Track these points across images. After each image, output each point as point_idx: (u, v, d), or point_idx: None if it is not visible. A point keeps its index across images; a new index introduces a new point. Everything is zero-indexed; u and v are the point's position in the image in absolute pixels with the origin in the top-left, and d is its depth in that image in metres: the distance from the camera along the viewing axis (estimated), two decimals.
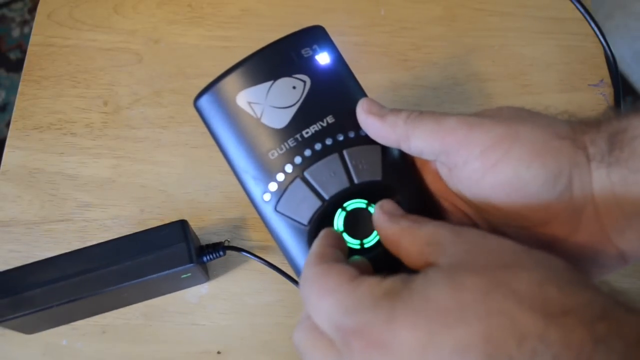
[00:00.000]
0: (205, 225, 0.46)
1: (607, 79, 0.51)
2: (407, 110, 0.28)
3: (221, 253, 0.43)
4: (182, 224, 0.40)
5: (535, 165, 0.24)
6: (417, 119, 0.27)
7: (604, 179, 0.24)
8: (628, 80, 1.00)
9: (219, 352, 0.43)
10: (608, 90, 0.51)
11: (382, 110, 0.28)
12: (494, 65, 0.52)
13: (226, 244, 0.44)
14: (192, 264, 0.39)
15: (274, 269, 0.43)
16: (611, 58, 0.38)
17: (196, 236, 0.43)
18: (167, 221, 0.41)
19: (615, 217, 0.25)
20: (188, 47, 0.53)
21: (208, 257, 0.42)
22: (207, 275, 0.44)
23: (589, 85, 0.51)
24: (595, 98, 0.51)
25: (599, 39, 0.39)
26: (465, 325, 0.19)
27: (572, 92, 0.51)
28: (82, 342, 0.43)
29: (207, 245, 0.43)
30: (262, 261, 0.43)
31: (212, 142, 0.49)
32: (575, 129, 0.26)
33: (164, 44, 0.54)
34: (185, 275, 0.41)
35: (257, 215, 0.46)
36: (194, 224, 0.43)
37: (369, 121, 0.28)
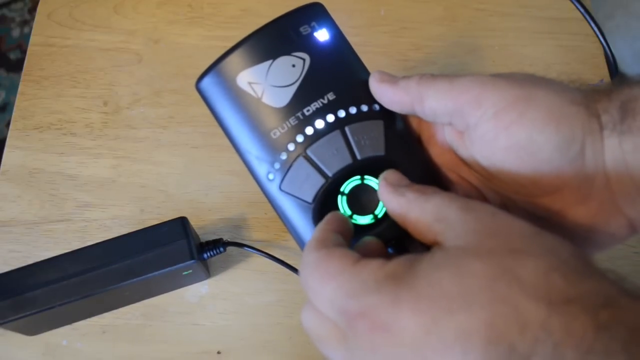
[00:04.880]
0: (205, 225, 0.46)
1: (607, 79, 0.51)
2: (419, 73, 0.28)
3: (222, 249, 0.42)
4: (182, 221, 0.40)
5: (549, 130, 0.24)
6: (430, 80, 0.27)
7: (615, 148, 0.24)
8: None
9: (219, 352, 0.43)
10: None
11: (394, 78, 0.28)
12: (495, 65, 0.52)
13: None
14: (193, 261, 0.39)
15: (276, 261, 0.42)
16: (611, 58, 0.38)
17: (196, 233, 0.43)
18: None
19: (626, 186, 0.24)
20: (188, 47, 0.53)
21: (209, 254, 0.42)
22: (207, 272, 0.44)
23: (589, 85, 0.51)
24: None
25: (599, 39, 0.39)
26: (468, 312, 0.19)
27: None
28: (82, 342, 0.43)
29: (208, 242, 0.43)
30: (263, 254, 0.43)
31: (212, 142, 0.49)
32: (588, 97, 0.25)
33: (164, 44, 0.54)
34: (186, 272, 0.41)
35: (257, 215, 0.47)
36: (194, 224, 0.43)
37: (381, 89, 0.28)
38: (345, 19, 0.32)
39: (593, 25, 0.39)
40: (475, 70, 0.52)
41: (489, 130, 0.25)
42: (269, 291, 0.44)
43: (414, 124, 0.31)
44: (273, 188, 0.29)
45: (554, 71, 0.52)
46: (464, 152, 0.28)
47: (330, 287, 0.22)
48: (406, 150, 0.29)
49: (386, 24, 0.54)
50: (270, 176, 0.29)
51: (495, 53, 0.53)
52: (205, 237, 0.45)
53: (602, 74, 0.52)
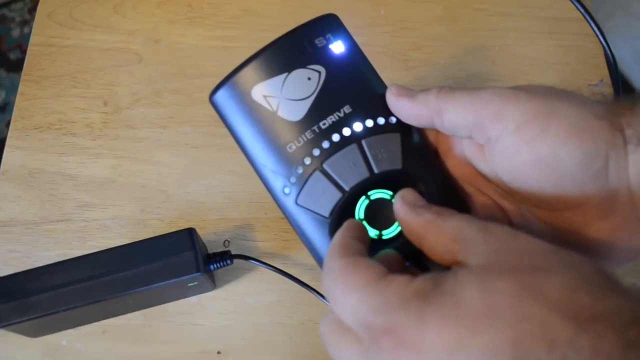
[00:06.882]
0: (206, 225, 0.46)
1: (607, 79, 0.51)
2: (438, 86, 0.27)
3: (229, 261, 0.42)
4: (190, 232, 0.40)
5: (572, 144, 0.24)
6: (450, 93, 0.27)
7: (639, 163, 0.24)
8: (628, 80, 1.00)
9: (219, 352, 0.43)
10: (608, 91, 0.51)
11: (412, 91, 0.28)
12: (495, 65, 0.52)
13: (226, 244, 0.43)
14: (199, 273, 0.38)
15: (284, 275, 0.42)
16: (611, 58, 0.38)
17: (203, 244, 0.43)
18: (167, 221, 0.41)
19: None
20: (188, 47, 0.53)
21: (215, 266, 0.42)
22: (213, 283, 0.43)
23: (589, 85, 0.51)
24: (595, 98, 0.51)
25: (599, 39, 0.39)
26: (495, 330, 0.19)
27: None
28: (82, 342, 0.43)
29: (215, 254, 0.42)
30: (270, 267, 0.42)
31: (212, 142, 0.49)
32: (611, 110, 0.25)
33: (164, 44, 0.54)
34: (192, 284, 0.40)
35: (257, 215, 0.47)
36: (194, 224, 0.43)
37: (400, 103, 0.28)
38: (345, 19, 0.32)
39: (593, 25, 0.39)
40: (475, 70, 0.52)
41: (510, 144, 0.25)
42: (270, 291, 0.44)
43: (431, 136, 0.30)
44: (289, 202, 0.29)
45: (554, 71, 0.52)
46: (483, 165, 0.28)
47: (354, 298, 0.22)
48: (424, 163, 0.29)
49: (386, 24, 0.54)
50: (286, 190, 0.29)
51: (496, 53, 0.53)
52: (205, 237, 0.45)
53: (602, 74, 0.52)
